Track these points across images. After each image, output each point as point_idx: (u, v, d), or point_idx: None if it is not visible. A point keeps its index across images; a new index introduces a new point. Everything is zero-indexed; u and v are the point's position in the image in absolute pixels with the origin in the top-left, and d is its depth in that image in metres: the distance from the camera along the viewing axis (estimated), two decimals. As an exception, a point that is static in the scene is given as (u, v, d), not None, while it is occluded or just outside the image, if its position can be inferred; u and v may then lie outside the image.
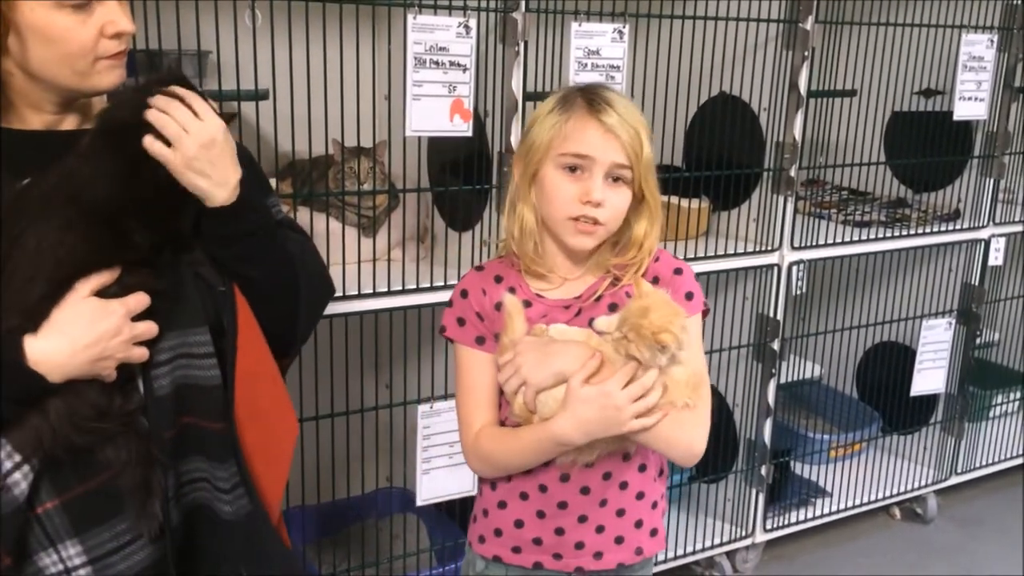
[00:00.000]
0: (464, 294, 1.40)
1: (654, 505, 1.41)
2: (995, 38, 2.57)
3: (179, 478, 1.19)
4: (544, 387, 1.28)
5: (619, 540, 1.38)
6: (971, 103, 2.61)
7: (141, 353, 1.12)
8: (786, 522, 2.69)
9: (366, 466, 2.11)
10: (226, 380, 1.20)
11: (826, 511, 2.76)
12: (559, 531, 1.38)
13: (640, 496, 1.39)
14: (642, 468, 1.39)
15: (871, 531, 2.90)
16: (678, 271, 1.37)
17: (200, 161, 1.11)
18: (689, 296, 1.35)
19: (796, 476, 2.84)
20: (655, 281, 1.35)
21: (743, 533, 2.60)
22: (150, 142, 1.10)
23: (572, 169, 1.29)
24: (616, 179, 1.30)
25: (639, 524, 1.39)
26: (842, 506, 2.79)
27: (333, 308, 1.87)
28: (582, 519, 1.37)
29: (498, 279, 1.39)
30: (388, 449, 2.12)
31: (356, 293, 1.89)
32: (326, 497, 2.11)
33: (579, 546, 1.38)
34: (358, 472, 2.10)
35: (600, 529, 1.38)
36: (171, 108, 1.11)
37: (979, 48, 2.56)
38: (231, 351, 1.21)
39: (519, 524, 1.39)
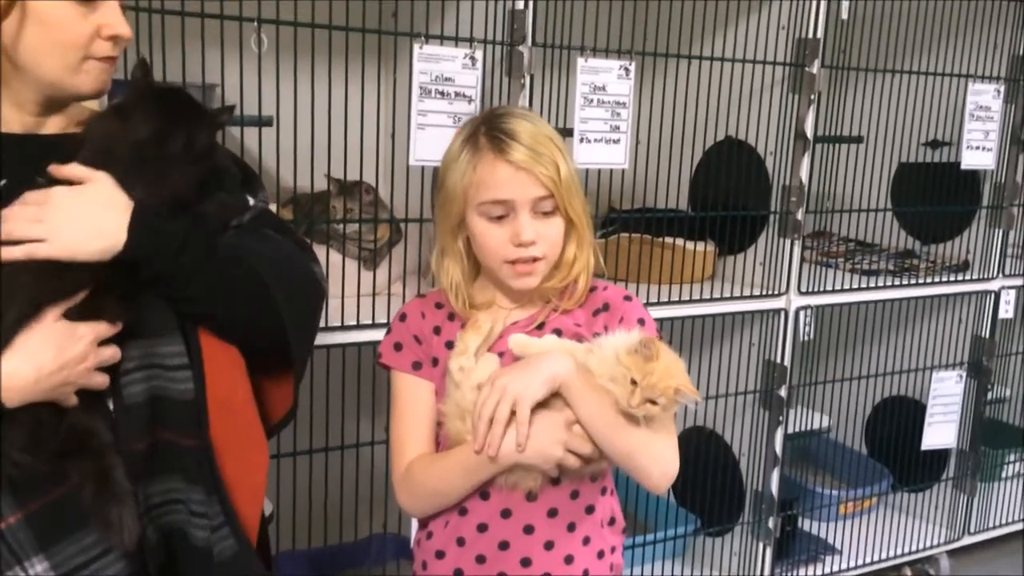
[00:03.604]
0: (403, 318, 1.37)
1: (600, 555, 1.33)
2: (1002, 88, 2.58)
3: (155, 497, 1.13)
4: (538, 398, 1.22)
5: None
6: (978, 152, 2.60)
7: (102, 380, 1.08)
8: (795, 579, 2.60)
9: (360, 510, 2.05)
10: (199, 395, 1.15)
11: (836, 569, 2.67)
12: None
13: (586, 541, 1.31)
14: (589, 510, 1.31)
15: (882, 591, 2.80)
16: (627, 298, 1.37)
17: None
18: (641, 322, 1.33)
19: (804, 532, 2.76)
20: (605, 307, 1.34)
21: (750, 589, 2.51)
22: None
23: (496, 216, 1.27)
24: (542, 211, 1.27)
25: (586, 575, 1.32)
26: (852, 564, 2.70)
27: (331, 339, 1.83)
28: (525, 562, 1.28)
29: (439, 305, 1.37)
30: (383, 493, 2.06)
31: (355, 324, 1.85)
32: (318, 541, 2.04)
33: None
34: (351, 516, 2.04)
35: None
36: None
37: (986, 98, 2.56)
38: (199, 380, 1.16)
39: (459, 574, 1.31)
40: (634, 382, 1.20)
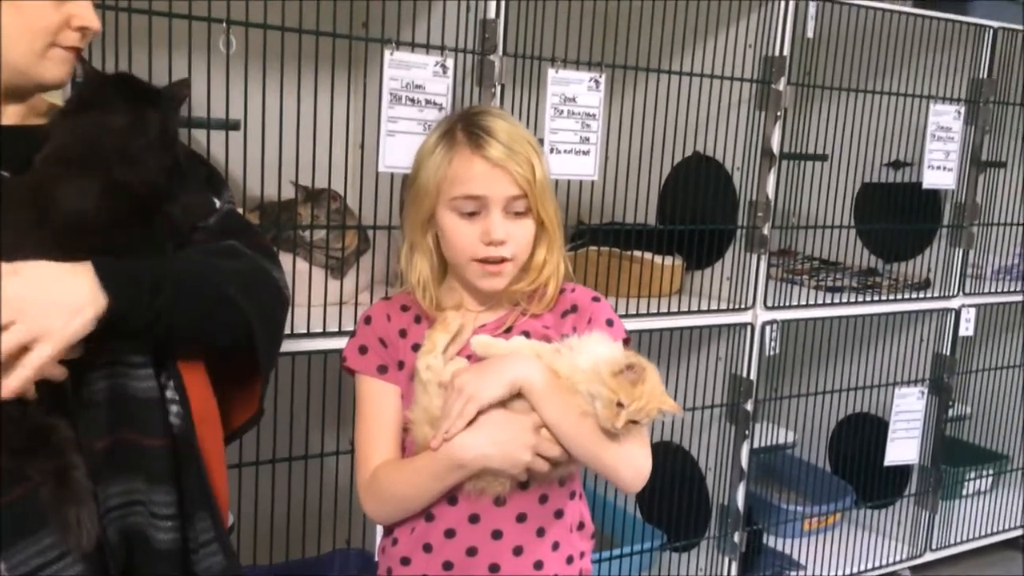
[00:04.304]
0: (368, 320, 1.35)
1: (569, 560, 1.32)
2: (962, 109, 2.62)
3: (115, 498, 1.10)
4: (495, 399, 1.21)
5: None
6: (939, 172, 2.64)
7: (61, 372, 1.05)
8: (759, 595, 2.60)
9: (323, 524, 2.01)
10: (163, 393, 1.12)
11: (800, 585, 2.68)
12: None
13: (555, 547, 1.30)
14: (558, 514, 1.30)
15: (846, 608, 2.81)
16: (596, 299, 1.36)
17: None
18: (610, 323, 1.33)
19: (769, 548, 2.76)
20: (574, 309, 1.33)
21: (715, 605, 2.50)
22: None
23: (468, 212, 1.26)
24: (515, 212, 1.26)
25: None
26: (816, 580, 2.71)
27: (296, 346, 1.81)
28: (494, 568, 1.26)
29: (404, 308, 1.35)
30: (347, 506, 2.02)
31: (321, 331, 1.83)
32: (279, 556, 2.00)
33: None
34: (314, 530, 2.00)
35: None
36: None
37: (947, 119, 2.61)
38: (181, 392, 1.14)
39: None
40: (620, 404, 1.19)
